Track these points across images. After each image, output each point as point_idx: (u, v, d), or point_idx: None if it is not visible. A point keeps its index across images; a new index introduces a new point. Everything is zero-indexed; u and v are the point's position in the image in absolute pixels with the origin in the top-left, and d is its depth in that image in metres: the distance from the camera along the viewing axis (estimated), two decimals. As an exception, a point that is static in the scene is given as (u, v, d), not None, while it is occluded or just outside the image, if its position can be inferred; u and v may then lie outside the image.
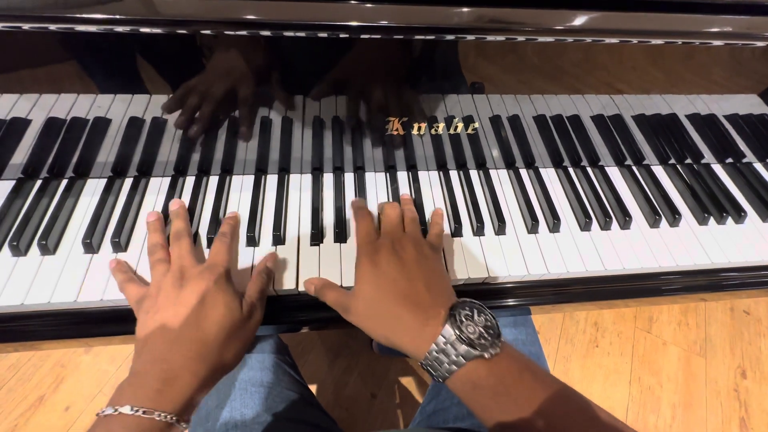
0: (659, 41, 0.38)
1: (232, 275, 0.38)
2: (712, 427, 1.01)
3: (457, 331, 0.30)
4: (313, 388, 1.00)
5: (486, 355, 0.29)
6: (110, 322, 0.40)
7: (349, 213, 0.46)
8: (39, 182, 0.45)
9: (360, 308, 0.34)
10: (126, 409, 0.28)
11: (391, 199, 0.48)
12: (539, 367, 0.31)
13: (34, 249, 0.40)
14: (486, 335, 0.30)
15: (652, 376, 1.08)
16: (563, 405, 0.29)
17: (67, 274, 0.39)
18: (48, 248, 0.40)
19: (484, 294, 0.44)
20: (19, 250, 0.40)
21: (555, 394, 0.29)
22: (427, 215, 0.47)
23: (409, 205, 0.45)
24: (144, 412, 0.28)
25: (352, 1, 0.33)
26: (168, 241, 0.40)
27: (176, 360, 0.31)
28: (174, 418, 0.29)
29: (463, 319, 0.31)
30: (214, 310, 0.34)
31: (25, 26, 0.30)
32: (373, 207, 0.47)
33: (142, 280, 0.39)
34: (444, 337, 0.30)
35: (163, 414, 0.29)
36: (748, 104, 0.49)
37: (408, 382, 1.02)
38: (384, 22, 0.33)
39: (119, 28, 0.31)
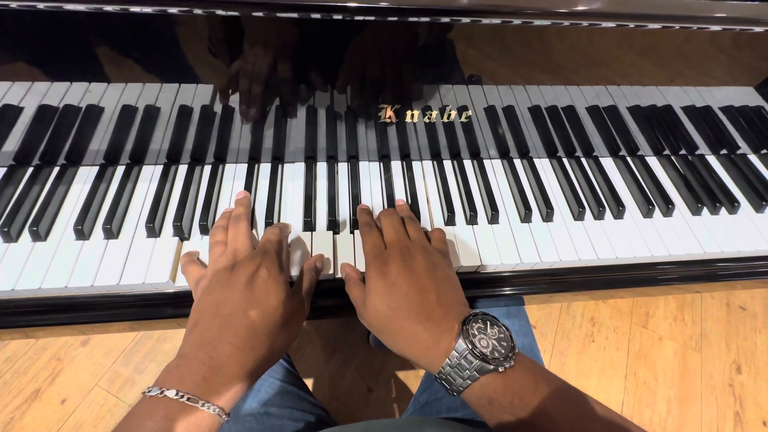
0: (656, 26, 0.38)
1: None
2: (707, 422, 1.01)
3: (470, 346, 0.29)
4: (309, 381, 1.00)
5: (500, 369, 0.29)
6: (103, 309, 0.40)
7: (343, 202, 0.46)
8: (31, 169, 0.45)
9: (372, 321, 0.34)
10: (171, 393, 0.27)
11: (384, 189, 0.48)
12: (553, 375, 0.31)
13: (26, 235, 0.40)
14: (499, 348, 0.30)
15: (647, 371, 1.08)
16: (582, 415, 0.29)
17: (58, 261, 0.39)
18: (39, 234, 0.40)
19: (477, 283, 0.44)
20: (10, 236, 0.39)
21: (573, 403, 0.29)
22: (421, 205, 0.46)
23: (408, 212, 0.44)
24: (189, 399, 0.27)
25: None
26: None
27: (224, 348, 0.30)
28: (217, 410, 0.28)
29: (476, 333, 0.30)
30: (265, 299, 0.33)
31: (13, 4, 0.30)
32: (366, 196, 0.47)
33: (204, 264, 0.39)
34: (457, 352, 0.30)
35: (207, 404, 0.28)
36: (743, 96, 0.49)
37: (405, 375, 1.02)
38: (380, 4, 0.33)
39: (108, 8, 0.31)
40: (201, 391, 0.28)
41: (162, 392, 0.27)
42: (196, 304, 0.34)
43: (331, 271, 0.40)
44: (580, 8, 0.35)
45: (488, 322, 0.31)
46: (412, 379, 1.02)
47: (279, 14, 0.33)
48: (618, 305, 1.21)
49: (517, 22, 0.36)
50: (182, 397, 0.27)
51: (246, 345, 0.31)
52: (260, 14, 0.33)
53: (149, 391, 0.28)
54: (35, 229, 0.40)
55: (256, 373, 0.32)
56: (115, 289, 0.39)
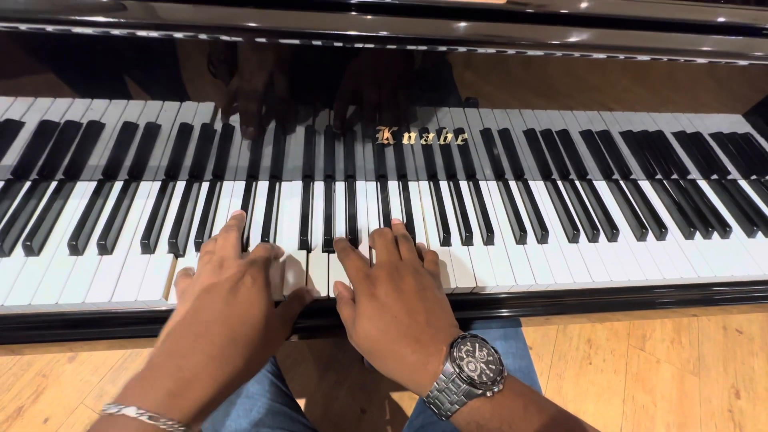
0: (645, 57, 0.39)
1: None
2: (707, 449, 0.99)
3: (457, 369, 0.29)
4: (301, 402, 0.98)
5: (488, 394, 0.28)
6: (93, 326, 0.39)
7: (339, 222, 0.46)
8: (28, 184, 0.45)
9: (361, 343, 0.34)
10: (130, 411, 0.25)
11: (380, 208, 0.48)
12: (544, 399, 0.30)
13: (18, 250, 0.40)
14: (488, 371, 0.29)
15: (645, 395, 1.07)
16: None
17: (50, 276, 0.38)
18: (32, 249, 0.39)
19: (473, 304, 0.44)
20: (2, 250, 0.39)
21: (564, 429, 0.28)
22: (417, 226, 0.47)
23: (403, 231, 0.43)
24: (149, 417, 0.25)
25: (352, 12, 0.34)
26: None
27: (197, 358, 0.28)
28: (182, 428, 0.26)
29: (464, 356, 0.30)
30: (248, 308, 0.32)
31: (22, 27, 0.31)
32: (362, 216, 0.47)
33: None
34: (445, 376, 0.29)
35: (170, 422, 0.25)
36: (732, 123, 0.50)
37: (399, 397, 1.00)
38: (382, 33, 0.34)
39: (116, 31, 0.32)
40: (164, 407, 0.26)
41: (120, 410, 0.25)
42: (176, 310, 0.33)
43: (324, 293, 0.40)
44: (571, 40, 0.37)
45: (477, 345, 0.31)
46: (406, 401, 0.99)
47: (281, 41, 0.34)
48: (615, 327, 1.20)
49: (511, 52, 0.37)
50: (142, 415, 0.25)
51: (221, 355, 0.29)
52: (263, 40, 0.34)
53: (107, 409, 0.26)
54: (29, 243, 0.39)
55: (229, 387, 0.30)
56: (106, 306, 0.38)
